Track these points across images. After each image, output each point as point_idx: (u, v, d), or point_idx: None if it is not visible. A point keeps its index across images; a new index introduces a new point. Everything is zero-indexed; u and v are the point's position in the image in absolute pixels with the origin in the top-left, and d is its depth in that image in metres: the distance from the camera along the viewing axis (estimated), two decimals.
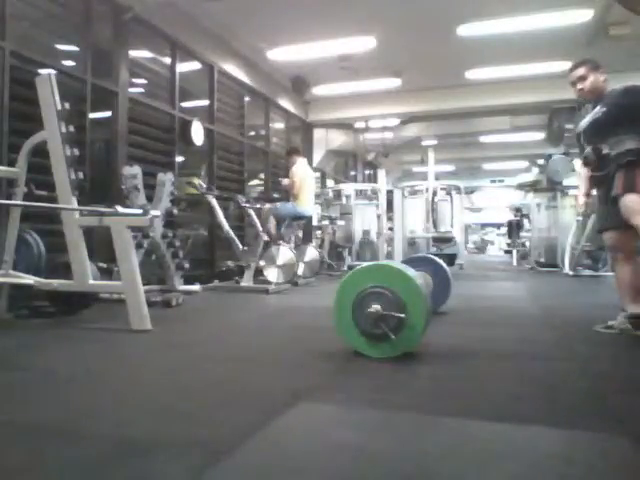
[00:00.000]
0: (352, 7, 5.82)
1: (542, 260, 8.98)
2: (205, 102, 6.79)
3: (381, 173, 14.30)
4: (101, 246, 4.09)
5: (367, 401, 1.86)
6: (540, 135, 10.96)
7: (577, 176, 2.94)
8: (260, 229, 5.92)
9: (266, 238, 5.93)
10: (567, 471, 1.30)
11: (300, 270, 6.38)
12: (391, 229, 9.39)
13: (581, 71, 3.13)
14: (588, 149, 3.07)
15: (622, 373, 2.27)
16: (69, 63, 4.87)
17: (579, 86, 3.13)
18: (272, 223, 6.16)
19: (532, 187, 10.02)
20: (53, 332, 3.22)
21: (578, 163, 4.12)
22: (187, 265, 4.58)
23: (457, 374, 2.23)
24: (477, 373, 2.26)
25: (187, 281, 4.66)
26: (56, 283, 3.39)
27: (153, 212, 3.53)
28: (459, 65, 7.61)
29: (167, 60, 6.05)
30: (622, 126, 2.92)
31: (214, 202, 5.66)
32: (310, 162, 8.86)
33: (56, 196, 3.45)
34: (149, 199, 4.44)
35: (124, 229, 3.26)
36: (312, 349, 2.70)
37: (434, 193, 8.64)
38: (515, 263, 11.05)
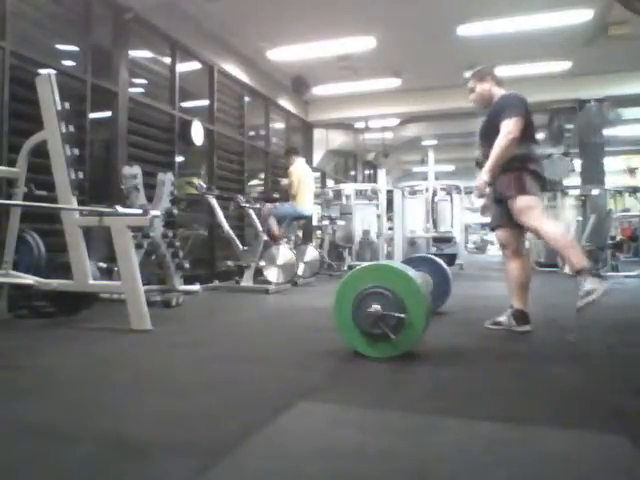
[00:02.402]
0: (352, 7, 5.82)
1: (542, 260, 8.97)
2: (205, 102, 6.79)
3: (381, 173, 14.28)
4: (99, 245, 4.09)
5: (367, 401, 1.86)
6: (540, 135, 10.94)
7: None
8: (260, 229, 5.92)
9: (266, 238, 5.93)
10: (567, 471, 1.30)
11: (300, 270, 6.38)
12: (391, 229, 9.38)
13: (470, 84, 3.29)
14: (478, 153, 3.23)
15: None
16: (69, 63, 4.87)
17: (470, 97, 3.31)
18: (274, 223, 6.15)
19: None
20: (53, 332, 3.22)
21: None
22: (187, 265, 4.57)
23: (457, 374, 2.23)
24: (477, 373, 2.26)
25: (187, 281, 4.66)
26: (56, 283, 3.39)
27: (153, 212, 3.53)
28: (459, 65, 7.59)
29: (167, 60, 6.05)
30: (490, 135, 3.02)
31: (214, 202, 5.66)
32: (310, 162, 8.87)
33: (56, 196, 3.45)
34: (149, 199, 4.43)
35: (124, 229, 3.26)
36: (312, 349, 2.70)
37: (434, 193, 8.64)
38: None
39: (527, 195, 2.96)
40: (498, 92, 3.20)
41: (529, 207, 2.97)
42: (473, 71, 3.30)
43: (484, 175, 2.98)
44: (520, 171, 2.98)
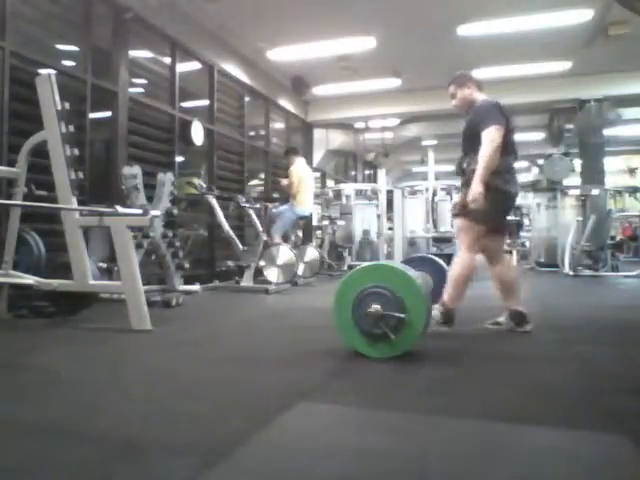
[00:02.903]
0: (352, 7, 5.81)
1: (542, 260, 8.97)
2: (205, 102, 6.79)
3: (381, 173, 14.27)
4: (99, 245, 4.09)
5: (367, 401, 1.86)
6: (540, 135, 10.95)
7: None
8: (260, 229, 5.92)
9: (266, 238, 5.93)
10: (568, 471, 1.30)
11: (300, 270, 6.38)
12: (391, 229, 9.38)
13: (450, 89, 3.27)
14: (458, 160, 3.22)
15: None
16: (69, 63, 4.87)
17: (452, 103, 3.29)
18: (278, 233, 6.23)
19: (532, 187, 10.02)
20: (53, 332, 3.23)
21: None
22: (187, 265, 4.58)
23: (457, 374, 2.23)
24: (477, 373, 2.26)
25: (187, 281, 4.66)
26: (56, 283, 3.39)
27: (153, 212, 3.52)
28: (459, 65, 7.53)
29: (167, 60, 6.04)
30: (471, 143, 3.01)
31: (214, 202, 5.66)
32: (310, 162, 8.86)
33: (56, 196, 3.45)
34: (149, 199, 4.43)
35: (124, 229, 3.26)
36: (312, 349, 2.70)
37: (434, 193, 8.62)
38: (515, 263, 11.04)
39: (465, 219, 2.99)
40: (479, 97, 3.18)
41: (465, 231, 3.03)
42: (453, 77, 3.27)
43: (478, 187, 2.89)
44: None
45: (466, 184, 3.00)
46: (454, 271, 2.96)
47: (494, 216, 3.04)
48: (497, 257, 3.23)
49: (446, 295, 3.01)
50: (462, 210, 2.99)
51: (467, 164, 3.07)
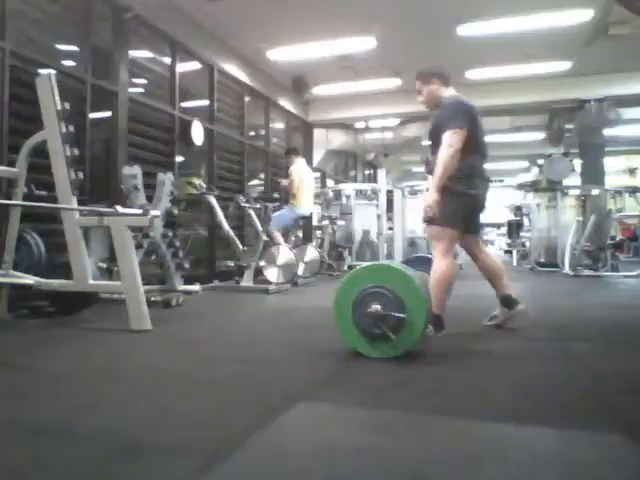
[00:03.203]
0: (352, 7, 5.81)
1: (542, 260, 8.97)
2: (205, 102, 6.79)
3: (381, 173, 14.27)
4: (99, 245, 4.09)
5: (367, 401, 1.86)
6: (540, 135, 10.95)
7: None
8: (260, 229, 5.92)
9: (266, 238, 5.93)
10: (567, 471, 1.30)
11: (300, 270, 6.38)
12: (391, 229, 9.38)
13: (416, 85, 3.20)
14: (425, 161, 3.22)
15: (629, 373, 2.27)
16: (69, 63, 4.87)
17: (419, 99, 3.22)
18: (278, 234, 6.22)
19: (532, 187, 10.01)
20: (53, 332, 3.22)
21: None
22: (187, 265, 4.57)
23: (457, 374, 2.23)
24: (477, 373, 2.26)
25: (187, 281, 4.66)
26: (56, 283, 3.39)
27: (153, 212, 3.52)
28: (459, 65, 7.59)
29: (167, 60, 6.04)
30: (436, 145, 2.96)
31: (214, 202, 5.66)
32: (310, 162, 8.86)
33: (56, 196, 3.45)
34: (149, 199, 4.43)
35: (124, 229, 3.26)
36: (312, 349, 2.70)
37: None
38: (515, 263, 11.04)
39: (435, 225, 2.96)
40: (446, 93, 3.10)
41: (436, 237, 3.01)
42: (417, 72, 3.19)
43: (434, 194, 2.88)
44: (445, 193, 2.88)
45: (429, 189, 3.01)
46: (432, 280, 2.88)
47: (462, 219, 3.01)
48: (477, 251, 3.26)
49: (435, 301, 2.91)
50: (430, 218, 2.96)
51: (434, 162, 3.01)
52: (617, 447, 1.44)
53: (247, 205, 6.02)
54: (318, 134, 10.43)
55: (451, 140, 2.84)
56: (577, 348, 2.77)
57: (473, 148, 2.96)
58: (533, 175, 14.92)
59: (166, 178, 4.52)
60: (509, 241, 12.57)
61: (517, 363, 2.45)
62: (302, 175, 6.54)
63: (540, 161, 12.70)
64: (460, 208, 2.96)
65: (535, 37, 6.51)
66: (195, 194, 5.69)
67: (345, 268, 8.12)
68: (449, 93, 3.12)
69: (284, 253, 5.89)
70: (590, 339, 3.01)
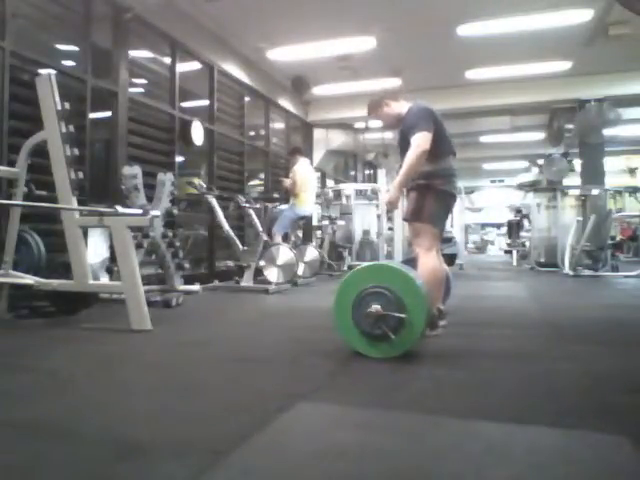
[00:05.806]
0: (352, 7, 5.81)
1: (542, 260, 8.98)
2: (205, 102, 6.79)
3: (381, 173, 14.28)
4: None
5: (367, 401, 1.86)
6: (540, 135, 10.95)
7: None
8: (260, 229, 5.92)
9: (266, 238, 5.93)
10: (567, 471, 1.30)
11: (300, 270, 6.38)
12: (391, 229, 9.38)
13: (371, 116, 3.32)
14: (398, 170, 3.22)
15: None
16: (69, 63, 4.87)
17: (382, 126, 3.26)
18: (279, 234, 6.25)
19: (532, 187, 10.01)
20: (53, 332, 3.22)
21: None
22: (187, 265, 4.57)
23: (457, 374, 2.23)
24: (477, 373, 2.26)
25: (187, 281, 4.66)
26: (56, 283, 3.39)
27: (153, 212, 3.53)
28: (459, 65, 7.60)
29: (167, 60, 6.04)
30: (403, 151, 3.00)
31: (214, 202, 5.66)
32: (310, 162, 8.86)
33: (56, 196, 3.45)
34: (149, 199, 4.43)
35: (124, 229, 3.26)
36: (312, 349, 2.70)
37: None
38: (515, 263, 11.05)
39: (420, 222, 2.98)
40: (401, 107, 3.14)
41: (422, 234, 3.00)
42: (368, 106, 3.25)
43: (396, 191, 2.98)
44: (425, 191, 2.95)
45: (411, 189, 3.02)
46: (426, 276, 2.85)
47: (443, 216, 3.09)
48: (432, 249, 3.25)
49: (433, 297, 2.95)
50: (414, 215, 2.99)
51: None
52: (617, 447, 1.44)
53: (247, 205, 6.02)
54: (318, 134, 10.44)
55: (419, 141, 2.88)
56: (577, 348, 2.77)
57: (448, 148, 3.04)
58: (533, 175, 14.92)
59: (166, 178, 4.52)
60: (509, 241, 12.58)
61: (517, 363, 2.45)
62: (305, 175, 6.55)
63: (540, 161, 12.70)
64: (445, 207, 3.07)
65: (535, 37, 6.50)
66: (195, 194, 5.69)
67: (345, 268, 8.12)
68: (405, 104, 3.15)
69: (284, 253, 5.89)
70: (590, 339, 3.01)
